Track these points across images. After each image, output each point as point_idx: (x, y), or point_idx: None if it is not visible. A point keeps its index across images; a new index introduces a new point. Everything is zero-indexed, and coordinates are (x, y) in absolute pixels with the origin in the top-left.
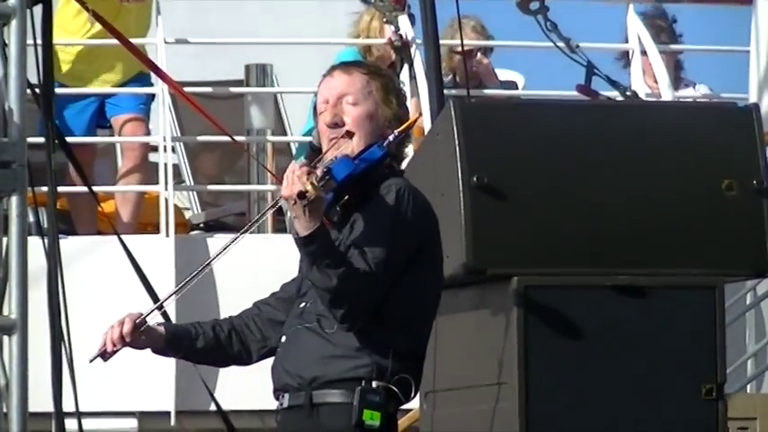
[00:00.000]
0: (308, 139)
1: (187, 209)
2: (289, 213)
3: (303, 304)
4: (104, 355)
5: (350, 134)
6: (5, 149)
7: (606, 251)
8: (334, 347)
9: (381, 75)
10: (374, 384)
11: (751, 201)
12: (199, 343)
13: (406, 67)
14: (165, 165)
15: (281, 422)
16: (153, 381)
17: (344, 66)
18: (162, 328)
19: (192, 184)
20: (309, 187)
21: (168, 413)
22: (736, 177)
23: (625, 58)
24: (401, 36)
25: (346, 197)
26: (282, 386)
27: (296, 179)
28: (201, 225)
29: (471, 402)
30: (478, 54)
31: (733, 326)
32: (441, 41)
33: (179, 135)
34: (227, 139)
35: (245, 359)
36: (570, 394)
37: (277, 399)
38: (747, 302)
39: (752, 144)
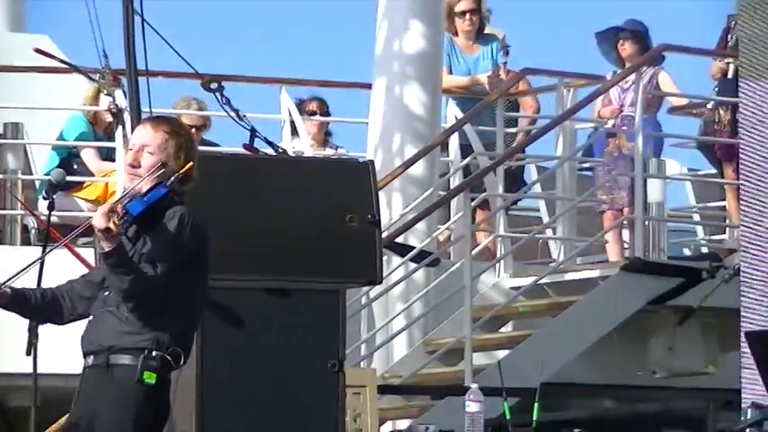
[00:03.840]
0: (48, 177)
1: None
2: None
3: (107, 293)
4: None
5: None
6: None
7: (262, 263)
8: (126, 325)
9: (180, 135)
10: (154, 353)
11: (366, 230)
12: (33, 301)
13: (120, 127)
14: None
15: (85, 376)
16: None
17: (155, 121)
18: (7, 289)
19: None
20: (112, 226)
21: None
22: (357, 213)
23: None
24: (116, 105)
25: (136, 225)
26: (88, 351)
27: (102, 217)
28: None
29: None
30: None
31: (353, 319)
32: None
33: None
34: None
35: (58, 321)
36: (236, 370)
37: (84, 359)
38: (362, 302)
39: (368, 189)
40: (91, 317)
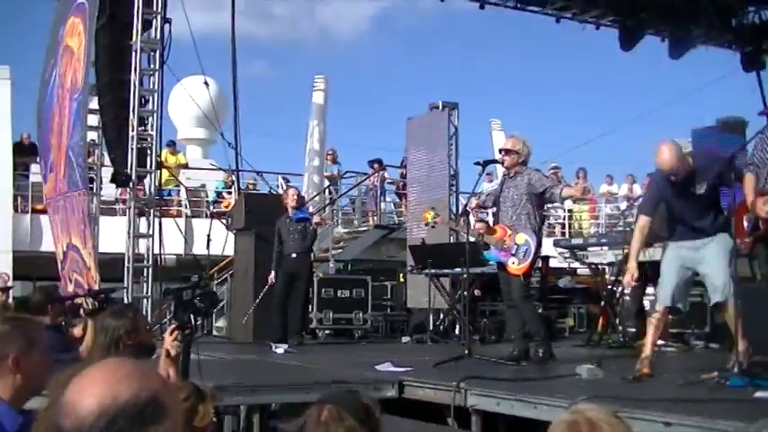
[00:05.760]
0: (213, 200)
1: None
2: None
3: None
4: None
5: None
6: None
7: None
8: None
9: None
10: None
11: None
12: None
13: (234, 185)
14: None
15: (290, 261)
16: None
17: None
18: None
19: None
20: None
21: None
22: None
23: None
24: (233, 181)
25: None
26: (293, 252)
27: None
28: None
29: None
30: None
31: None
32: None
33: None
34: None
35: None
36: None
37: (289, 254)
38: None
39: None
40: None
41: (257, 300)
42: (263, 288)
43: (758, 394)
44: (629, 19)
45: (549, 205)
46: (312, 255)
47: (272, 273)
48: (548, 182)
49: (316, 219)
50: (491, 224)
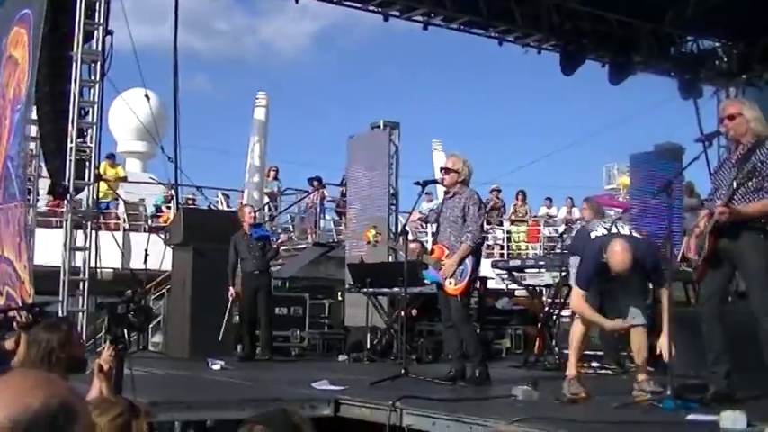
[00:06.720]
0: (152, 214)
1: None
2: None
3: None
4: None
5: None
6: None
7: None
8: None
9: None
10: None
11: None
12: None
13: (173, 201)
14: None
15: (252, 277)
16: None
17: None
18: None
19: None
20: None
21: None
22: None
23: None
24: (172, 195)
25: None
26: (254, 269)
27: None
28: None
29: None
30: None
31: None
32: None
33: None
34: None
35: None
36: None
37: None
38: None
39: None
40: None
41: (226, 313)
42: (199, 303)
43: (690, 417)
44: (571, 44)
45: (488, 227)
46: (270, 272)
47: (231, 288)
48: (471, 224)
49: (283, 237)
50: (430, 243)
